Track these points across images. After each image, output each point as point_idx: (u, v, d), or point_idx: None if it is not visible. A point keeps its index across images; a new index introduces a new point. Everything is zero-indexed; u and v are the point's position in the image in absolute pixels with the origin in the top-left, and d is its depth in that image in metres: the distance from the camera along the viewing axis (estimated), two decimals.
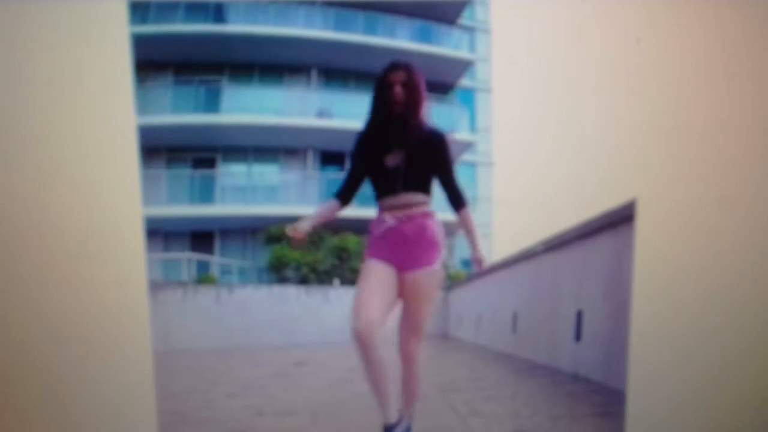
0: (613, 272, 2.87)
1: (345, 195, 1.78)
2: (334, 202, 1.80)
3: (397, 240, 1.71)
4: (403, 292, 1.72)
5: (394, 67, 1.75)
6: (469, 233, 1.82)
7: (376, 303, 1.64)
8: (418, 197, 1.73)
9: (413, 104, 1.74)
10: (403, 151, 1.73)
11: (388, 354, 1.67)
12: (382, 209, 1.74)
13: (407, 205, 1.73)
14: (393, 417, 1.71)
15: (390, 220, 1.72)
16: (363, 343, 1.60)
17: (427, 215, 1.73)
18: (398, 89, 1.72)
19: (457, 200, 1.79)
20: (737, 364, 2.07)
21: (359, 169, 1.79)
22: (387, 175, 1.72)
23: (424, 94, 1.76)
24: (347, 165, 6.65)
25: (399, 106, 1.72)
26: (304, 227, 1.74)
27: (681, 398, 2.10)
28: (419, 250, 1.70)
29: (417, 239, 1.70)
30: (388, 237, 1.71)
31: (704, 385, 2.09)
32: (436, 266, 1.73)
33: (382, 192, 1.74)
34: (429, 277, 1.72)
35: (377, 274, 1.70)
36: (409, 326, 1.72)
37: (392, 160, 1.73)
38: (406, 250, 1.70)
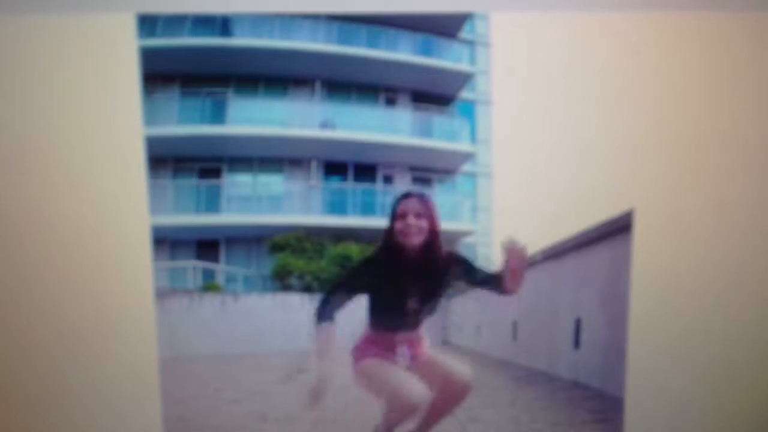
0: (611, 281, 2.91)
1: (333, 315, 1.71)
2: (328, 327, 1.70)
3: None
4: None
5: (407, 196, 1.72)
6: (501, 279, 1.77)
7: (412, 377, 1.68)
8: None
9: (429, 236, 1.70)
10: (421, 294, 1.72)
11: None
12: (389, 338, 1.76)
13: (416, 337, 1.76)
14: None
15: (405, 355, 1.76)
16: (415, 412, 1.66)
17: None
18: (412, 220, 1.69)
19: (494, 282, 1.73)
20: (734, 371, 2.11)
21: (352, 292, 1.72)
22: (404, 315, 1.73)
23: (438, 223, 1.72)
24: (349, 177, 6.69)
25: (415, 239, 1.68)
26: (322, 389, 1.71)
27: (678, 404, 2.13)
28: None
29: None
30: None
31: (701, 391, 2.12)
32: None
33: (394, 327, 1.75)
34: None
35: (388, 363, 1.73)
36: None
37: (412, 303, 1.73)
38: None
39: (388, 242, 1.69)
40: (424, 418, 1.80)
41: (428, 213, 1.69)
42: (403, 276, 1.68)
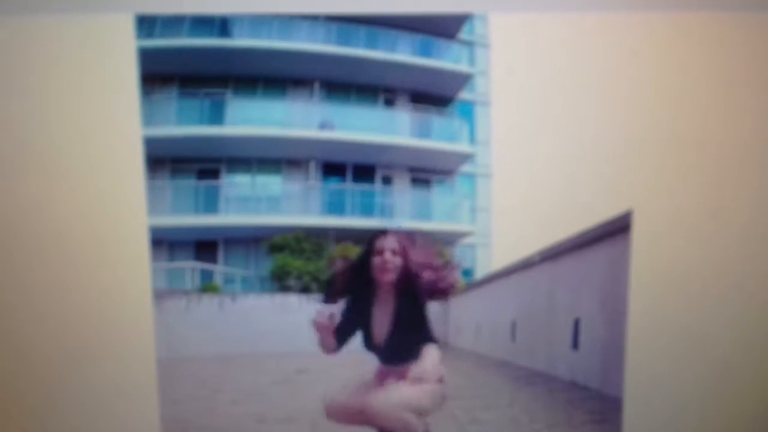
0: (610, 282, 2.91)
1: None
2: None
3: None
4: None
5: (384, 232, 1.68)
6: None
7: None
8: (407, 365, 1.72)
9: (405, 274, 1.67)
10: (387, 327, 1.71)
11: None
12: (381, 371, 1.79)
13: (398, 371, 1.75)
14: None
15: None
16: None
17: None
18: (389, 256, 1.67)
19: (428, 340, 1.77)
20: (732, 372, 2.11)
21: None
22: (373, 349, 1.74)
23: (419, 257, 1.68)
24: (348, 178, 6.69)
25: (389, 275, 1.66)
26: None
27: (676, 405, 2.13)
28: None
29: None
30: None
31: (699, 391, 2.13)
32: None
33: (380, 358, 1.79)
34: None
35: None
36: None
37: (378, 334, 1.71)
38: None
39: (362, 275, 1.68)
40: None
41: (404, 251, 1.65)
42: (375, 310, 1.69)
